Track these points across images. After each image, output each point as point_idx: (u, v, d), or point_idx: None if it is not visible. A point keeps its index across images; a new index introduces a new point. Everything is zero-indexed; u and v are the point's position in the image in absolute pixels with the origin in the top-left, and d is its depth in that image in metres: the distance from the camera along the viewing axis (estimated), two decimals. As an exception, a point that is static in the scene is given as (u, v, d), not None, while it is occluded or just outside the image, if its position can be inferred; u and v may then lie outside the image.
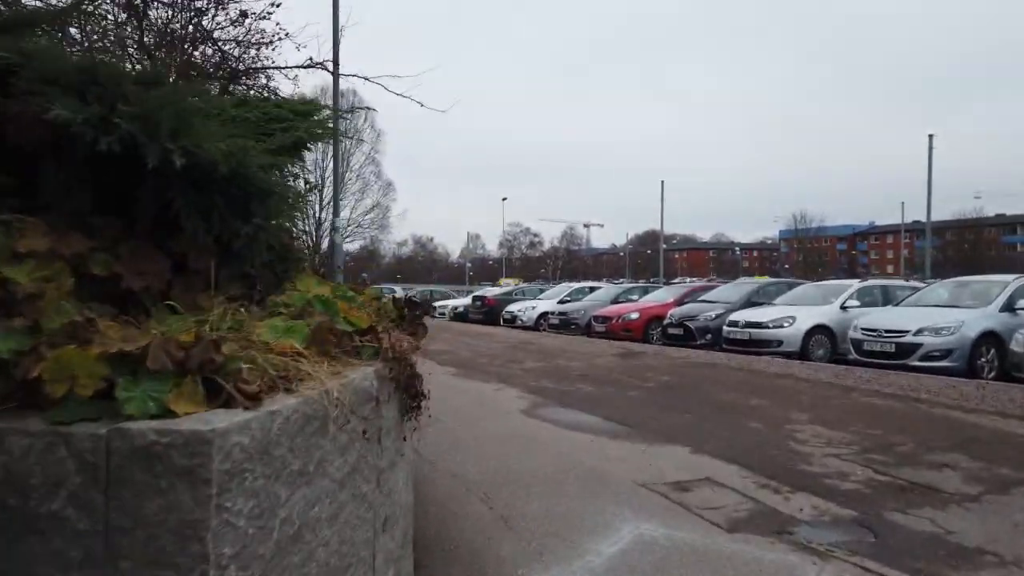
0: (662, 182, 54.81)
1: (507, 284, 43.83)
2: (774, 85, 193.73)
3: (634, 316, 18.24)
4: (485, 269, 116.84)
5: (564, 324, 21.30)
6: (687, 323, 16.19)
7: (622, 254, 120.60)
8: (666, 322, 16.84)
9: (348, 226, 70.67)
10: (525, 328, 23.00)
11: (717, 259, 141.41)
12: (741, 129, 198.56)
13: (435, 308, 31.84)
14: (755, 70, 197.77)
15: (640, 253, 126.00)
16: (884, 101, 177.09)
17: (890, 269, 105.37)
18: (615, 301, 21.28)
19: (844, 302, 13.99)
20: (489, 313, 26.38)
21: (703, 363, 11.46)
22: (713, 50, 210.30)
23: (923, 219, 39.72)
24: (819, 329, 13.53)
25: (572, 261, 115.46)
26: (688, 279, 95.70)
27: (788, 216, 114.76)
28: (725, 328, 14.59)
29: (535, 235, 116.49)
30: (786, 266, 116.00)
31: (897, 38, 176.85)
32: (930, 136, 36.25)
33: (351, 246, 74.39)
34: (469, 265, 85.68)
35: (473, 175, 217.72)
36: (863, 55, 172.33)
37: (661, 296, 20.04)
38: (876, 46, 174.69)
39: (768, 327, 13.75)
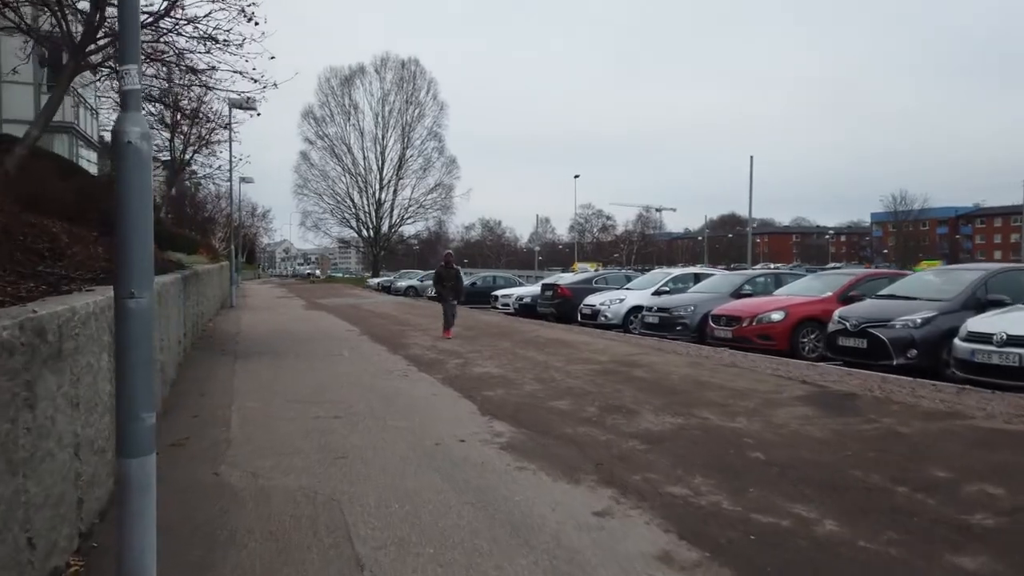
0: (751, 158, 47.71)
1: (584, 269, 38.07)
2: (859, 61, 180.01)
3: (777, 317, 12.51)
4: (555, 254, 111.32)
5: (665, 325, 15.69)
6: (873, 330, 10.40)
7: (700, 238, 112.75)
8: (834, 327, 11.09)
9: (409, 206, 66.53)
10: (608, 327, 17.52)
11: (801, 243, 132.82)
12: (821, 108, 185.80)
13: (496, 299, 26.59)
14: (837, 46, 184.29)
15: (718, 237, 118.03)
16: (987, 76, 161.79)
17: (998, 256, 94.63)
18: (738, 294, 15.53)
19: None
20: (563, 306, 20.94)
21: None
22: (789, 25, 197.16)
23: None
24: None
25: (648, 246, 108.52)
26: (772, 264, 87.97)
27: (885, 197, 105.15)
28: (969, 346, 8.75)
29: (608, 217, 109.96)
30: (885, 251, 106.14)
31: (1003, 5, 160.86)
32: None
33: (413, 228, 70.30)
34: (538, 249, 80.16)
35: (544, 156, 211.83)
36: (963, 25, 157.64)
37: (810, 287, 14.18)
38: (978, 17, 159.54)
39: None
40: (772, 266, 76.32)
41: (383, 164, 64.23)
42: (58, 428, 3.18)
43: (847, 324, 10.84)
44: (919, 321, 10.16)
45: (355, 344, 12.30)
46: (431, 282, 41.50)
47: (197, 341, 11.94)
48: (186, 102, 14.09)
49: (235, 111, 22.52)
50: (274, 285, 54.01)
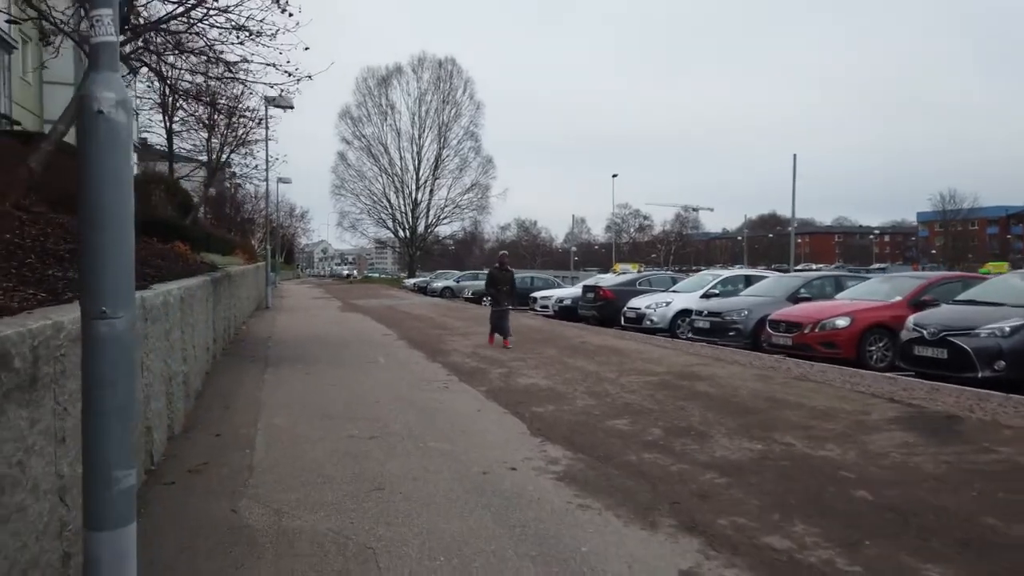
0: (794, 156, 46.18)
1: (625, 270, 37.06)
2: (904, 57, 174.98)
3: (843, 323, 11.60)
4: (591, 254, 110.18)
5: (717, 330, 14.84)
6: (955, 339, 9.48)
7: (739, 238, 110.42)
8: (908, 335, 10.18)
9: (445, 207, 66.17)
10: (653, 331, 16.75)
11: (843, 244, 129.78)
12: (862, 106, 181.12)
13: (535, 300, 25.89)
14: (881, 42, 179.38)
15: (758, 237, 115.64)
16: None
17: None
18: (795, 298, 14.61)
19: None
20: (605, 308, 20.16)
21: None
22: (827, 25, 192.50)
23: None
24: None
25: (686, 246, 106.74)
26: (813, 265, 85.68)
27: (933, 196, 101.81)
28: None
29: (645, 217, 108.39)
30: (933, 251, 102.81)
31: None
32: None
33: (449, 228, 69.91)
34: (575, 249, 79.18)
35: (578, 156, 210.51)
36: (1016, 13, 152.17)
37: (877, 291, 13.20)
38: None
39: None
40: (814, 267, 74.23)
41: (419, 164, 64.06)
42: (32, 474, 2.57)
43: (924, 332, 9.92)
44: (1008, 330, 9.21)
45: (391, 350, 11.71)
46: (468, 283, 41.34)
47: (228, 346, 11.48)
48: (224, 100, 13.61)
49: (271, 109, 22.21)
50: (311, 286, 54.07)
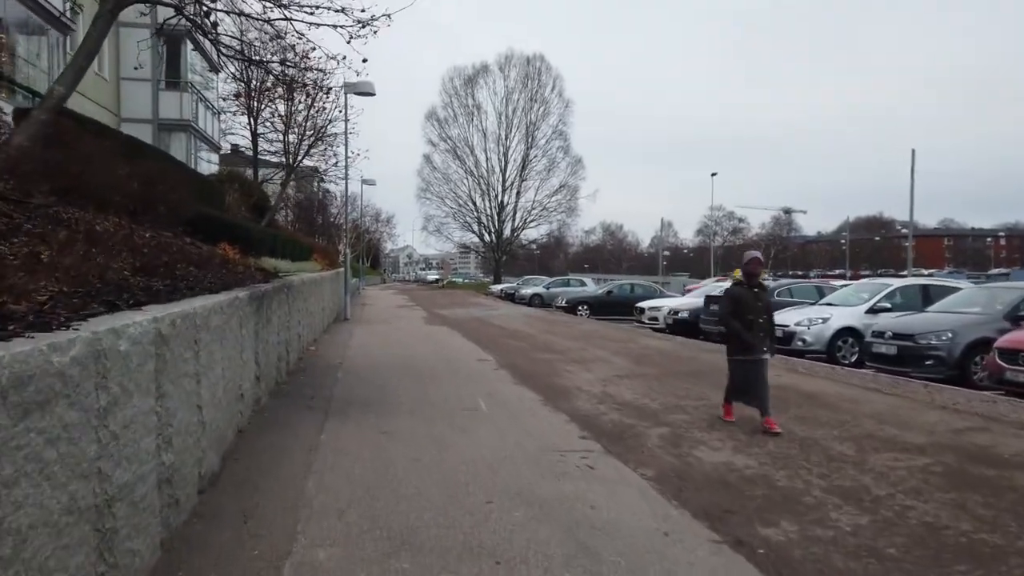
0: (912, 151, 40.93)
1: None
2: (1013, 50, 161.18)
3: None
4: (679, 258, 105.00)
5: (908, 357, 11.39)
6: None
7: (842, 242, 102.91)
8: None
9: (532, 209, 63.43)
10: (804, 353, 13.49)
11: (954, 247, 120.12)
12: (967, 103, 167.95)
13: (642, 312, 22.74)
14: (987, 35, 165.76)
15: (861, 241, 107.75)
16: None
17: None
18: (1016, 317, 11.02)
19: None
20: (735, 324, 16.88)
21: None
22: (923, 14, 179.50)
23: None
24: None
25: (786, 250, 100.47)
26: (924, 271, 78.41)
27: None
28: None
29: (740, 219, 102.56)
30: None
31: None
32: None
33: (535, 232, 67.01)
34: (668, 253, 75.08)
35: (664, 159, 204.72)
36: None
37: None
38: None
39: None
40: (925, 272, 67.51)
41: (506, 165, 61.60)
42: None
43: None
44: None
45: (493, 386, 8.90)
46: (559, 290, 38.24)
47: (285, 380, 8.94)
48: (277, 64, 11.21)
49: (352, 99, 20.00)
50: (395, 291, 52.37)
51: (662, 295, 28.83)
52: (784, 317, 14.97)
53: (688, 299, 22.57)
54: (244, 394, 6.05)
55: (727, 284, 18.85)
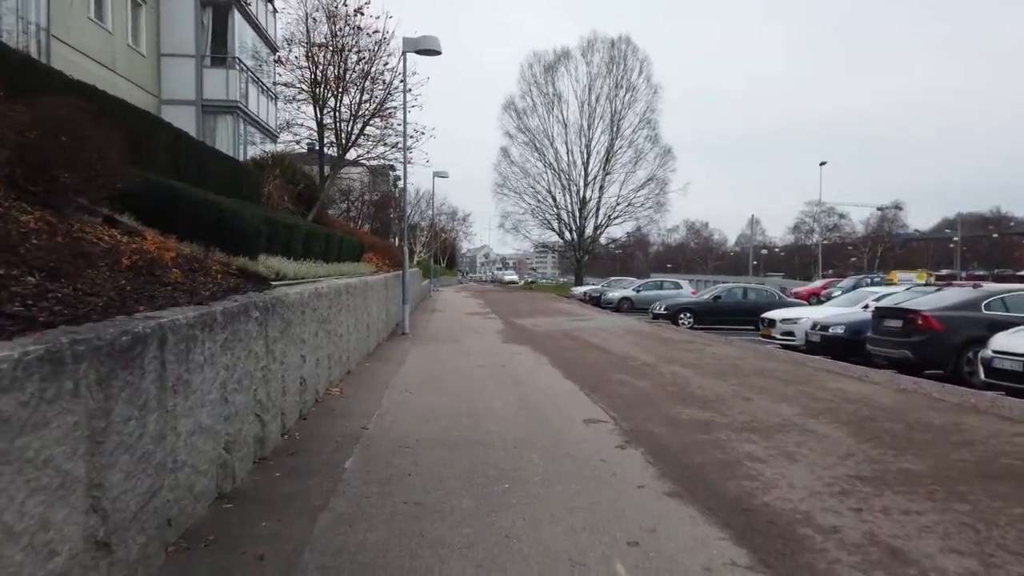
0: None
1: (907, 280, 27.62)
2: None
3: None
4: (769, 258, 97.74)
5: None
6: None
7: (955, 240, 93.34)
8: None
9: (617, 204, 58.70)
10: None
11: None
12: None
13: (772, 325, 18.06)
14: None
15: (975, 238, 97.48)
16: None
17: None
18: None
19: None
20: (928, 347, 12.16)
21: None
22: None
23: None
24: None
25: (893, 248, 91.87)
26: (1052, 271, 68.93)
27: None
28: None
29: (841, 215, 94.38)
30: None
31: None
32: None
33: (620, 229, 62.10)
34: (764, 252, 68.92)
35: (751, 154, 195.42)
36: None
37: None
38: None
39: None
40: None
41: (588, 158, 57.11)
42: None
43: None
44: None
45: (633, 503, 4.75)
46: (650, 292, 33.51)
47: (233, 488, 5.03)
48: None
49: (413, 61, 16.21)
50: (470, 293, 48.56)
51: (781, 302, 23.96)
52: (1010, 341, 10.19)
53: (835, 310, 17.69)
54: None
55: (945, 296, 13.35)
